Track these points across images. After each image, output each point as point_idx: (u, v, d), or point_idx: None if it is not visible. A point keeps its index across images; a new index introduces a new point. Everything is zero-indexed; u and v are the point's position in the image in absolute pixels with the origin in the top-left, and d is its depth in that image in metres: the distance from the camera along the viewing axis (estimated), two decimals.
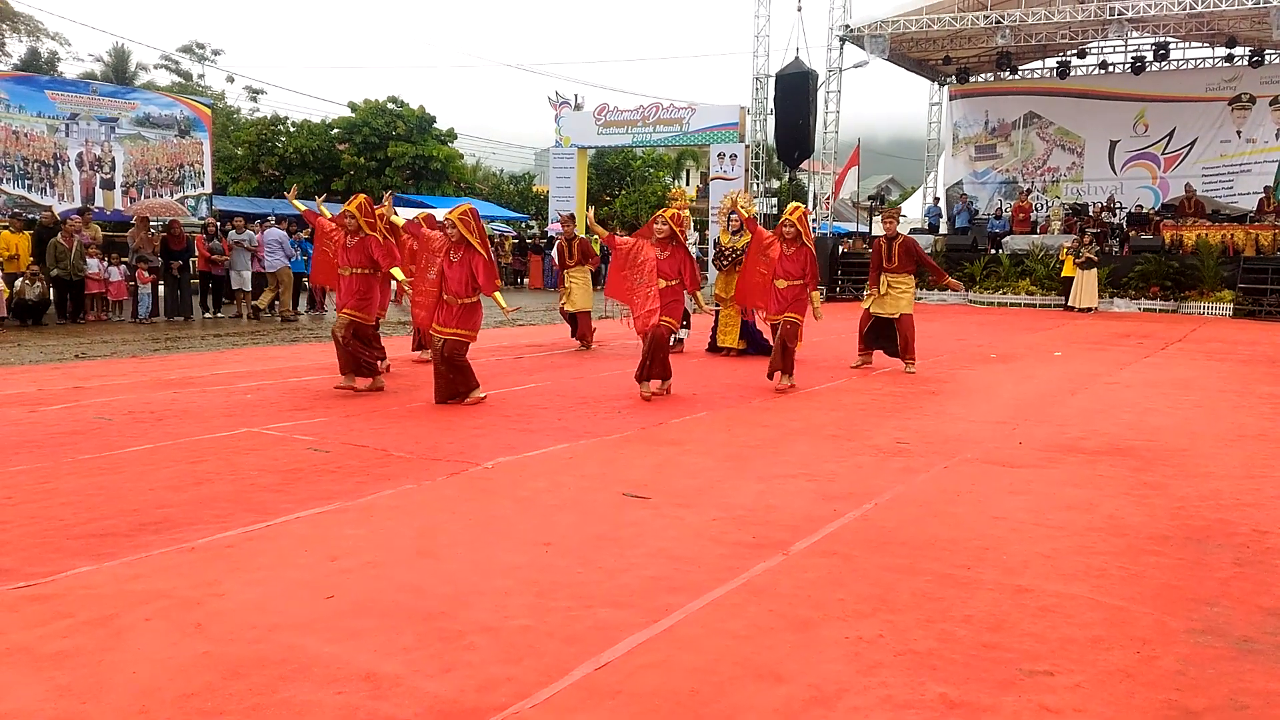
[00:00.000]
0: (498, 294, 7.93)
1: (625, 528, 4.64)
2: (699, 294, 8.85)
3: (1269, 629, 3.54)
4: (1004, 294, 21.92)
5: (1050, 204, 26.62)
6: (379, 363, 8.94)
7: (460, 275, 7.81)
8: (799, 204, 9.37)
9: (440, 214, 9.11)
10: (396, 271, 8.53)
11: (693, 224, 13.76)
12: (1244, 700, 2.99)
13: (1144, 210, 24.13)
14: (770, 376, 9.08)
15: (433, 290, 7.90)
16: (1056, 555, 4.34)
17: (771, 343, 9.41)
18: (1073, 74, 27.46)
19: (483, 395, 8.05)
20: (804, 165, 27.95)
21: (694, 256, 8.86)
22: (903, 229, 11.27)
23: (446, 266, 7.84)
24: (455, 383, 7.94)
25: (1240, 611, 3.70)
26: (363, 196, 8.77)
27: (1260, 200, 22.16)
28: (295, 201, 9.27)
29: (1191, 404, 8.63)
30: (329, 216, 8.93)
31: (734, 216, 11.17)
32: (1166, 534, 4.69)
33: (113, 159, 18.79)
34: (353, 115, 37.41)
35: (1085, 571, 4.13)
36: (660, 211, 8.62)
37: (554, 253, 13.36)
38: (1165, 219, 22.58)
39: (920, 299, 22.49)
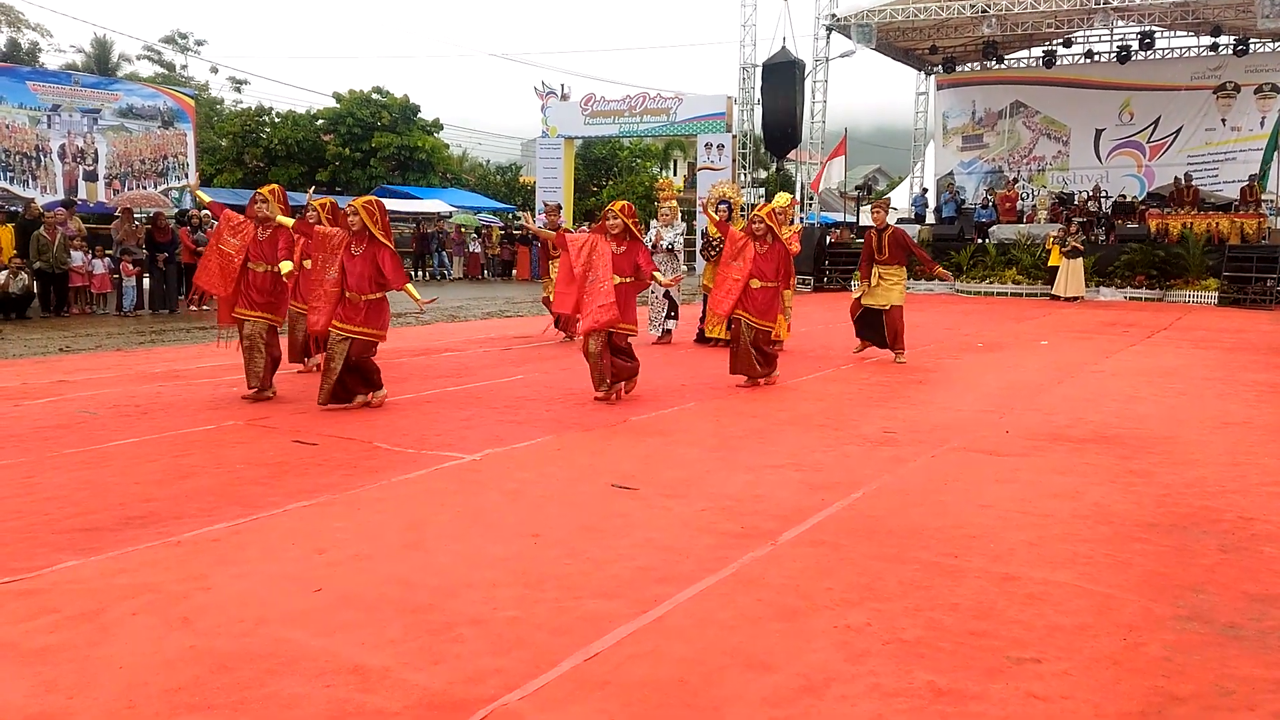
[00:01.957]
0: (409, 286, 7.36)
1: (613, 519, 4.64)
2: (658, 274, 8.27)
3: (1254, 615, 3.56)
4: (991, 283, 21.99)
5: (1036, 193, 26.70)
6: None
7: (364, 269, 7.18)
8: (786, 195, 9.30)
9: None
10: (284, 265, 7.67)
11: (680, 214, 13.69)
12: (1230, 686, 3.01)
13: (1129, 199, 24.21)
14: (736, 374, 8.65)
15: (333, 290, 7.25)
16: (1043, 543, 4.36)
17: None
18: (1059, 63, 27.54)
19: (384, 394, 7.50)
20: (791, 155, 27.96)
21: (647, 246, 8.26)
22: (890, 219, 11.24)
23: (348, 261, 7.21)
24: (354, 385, 7.33)
25: (1226, 598, 3.72)
26: (277, 186, 8.15)
27: (1243, 189, 22.27)
28: (199, 193, 8.60)
29: (1177, 392, 8.67)
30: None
31: (723, 206, 11.14)
32: (1152, 521, 4.71)
33: (95, 151, 18.62)
34: (337, 106, 37.22)
35: (1072, 559, 4.15)
36: (611, 205, 8.08)
37: (538, 242, 13.30)
38: (1151, 207, 22.67)
39: (908, 288, 22.63)
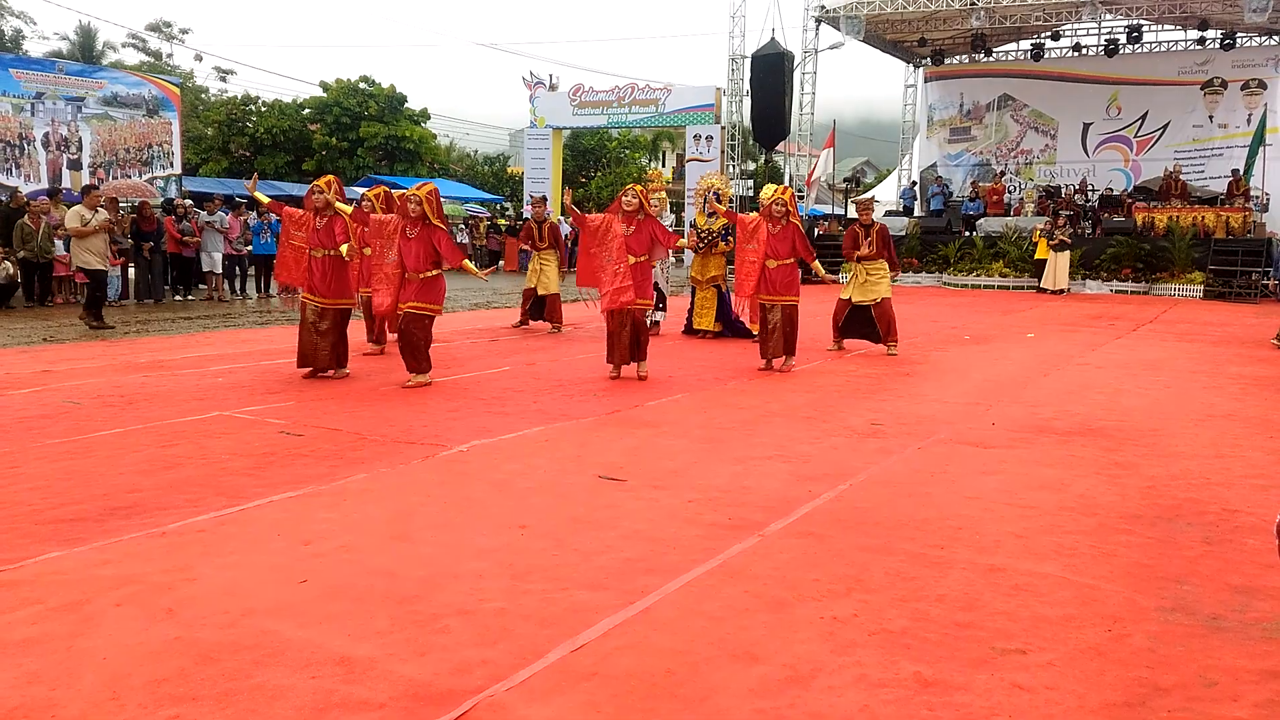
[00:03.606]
0: (467, 261, 7.92)
1: (601, 510, 4.64)
2: (682, 242, 8.88)
3: (1237, 606, 3.58)
4: (977, 276, 22.03)
5: (1023, 186, 26.77)
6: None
7: (419, 250, 7.75)
8: (773, 186, 9.43)
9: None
10: (344, 248, 8.21)
11: (668, 206, 13.69)
12: (1213, 676, 3.03)
13: (1115, 193, 24.31)
14: (768, 363, 9.11)
15: (394, 272, 7.83)
16: (1029, 535, 4.37)
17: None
18: (1046, 56, 27.57)
19: (427, 381, 7.93)
20: (780, 147, 27.93)
21: (661, 222, 8.89)
22: (877, 213, 11.35)
23: (403, 244, 7.77)
24: (413, 358, 7.87)
25: (1209, 589, 3.75)
26: (333, 176, 8.69)
27: (1230, 183, 22.38)
28: (256, 192, 9.13)
29: (1162, 385, 8.71)
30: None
31: (712, 197, 11.12)
32: (1137, 513, 4.74)
33: (80, 139, 18.46)
34: (324, 95, 37.03)
35: (1057, 550, 4.17)
36: (630, 185, 8.60)
37: (521, 234, 13.26)
38: (1137, 201, 22.75)
39: (896, 281, 22.65)
